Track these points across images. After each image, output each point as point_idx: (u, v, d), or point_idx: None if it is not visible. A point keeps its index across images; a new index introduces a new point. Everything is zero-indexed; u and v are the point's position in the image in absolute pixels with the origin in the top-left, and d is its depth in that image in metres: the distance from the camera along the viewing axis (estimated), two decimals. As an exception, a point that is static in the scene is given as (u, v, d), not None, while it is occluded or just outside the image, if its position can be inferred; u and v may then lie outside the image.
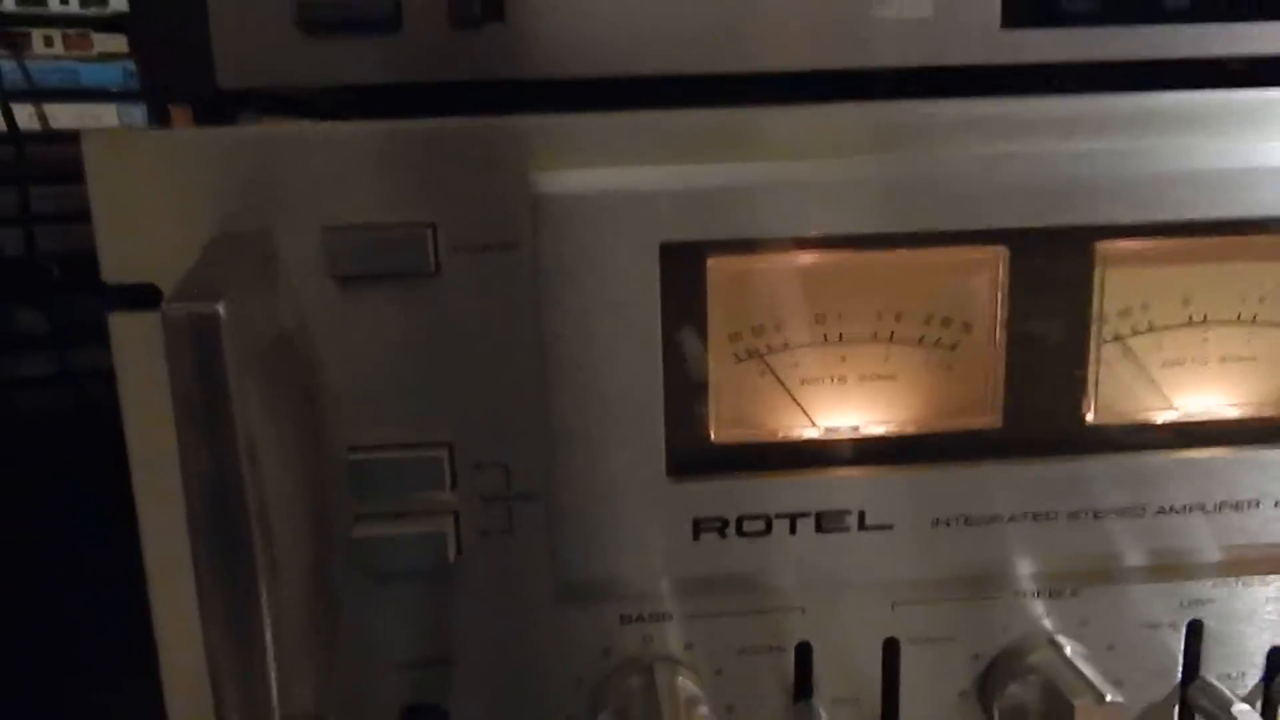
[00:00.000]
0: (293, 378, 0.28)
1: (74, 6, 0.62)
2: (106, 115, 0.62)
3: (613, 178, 0.27)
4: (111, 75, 0.63)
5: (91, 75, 0.63)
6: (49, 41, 0.62)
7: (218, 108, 0.30)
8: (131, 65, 0.62)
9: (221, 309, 0.23)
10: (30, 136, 0.57)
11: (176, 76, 0.27)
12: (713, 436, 0.30)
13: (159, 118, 0.31)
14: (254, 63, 0.27)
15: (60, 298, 0.54)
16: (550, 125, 0.27)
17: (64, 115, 0.62)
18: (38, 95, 0.60)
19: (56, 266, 0.53)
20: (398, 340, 0.28)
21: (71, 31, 0.62)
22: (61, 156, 0.57)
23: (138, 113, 0.62)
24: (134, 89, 0.62)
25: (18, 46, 0.60)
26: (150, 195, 0.27)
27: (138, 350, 0.27)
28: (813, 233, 0.28)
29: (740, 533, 0.30)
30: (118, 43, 0.63)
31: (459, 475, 0.29)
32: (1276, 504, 0.31)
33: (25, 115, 0.60)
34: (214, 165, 0.27)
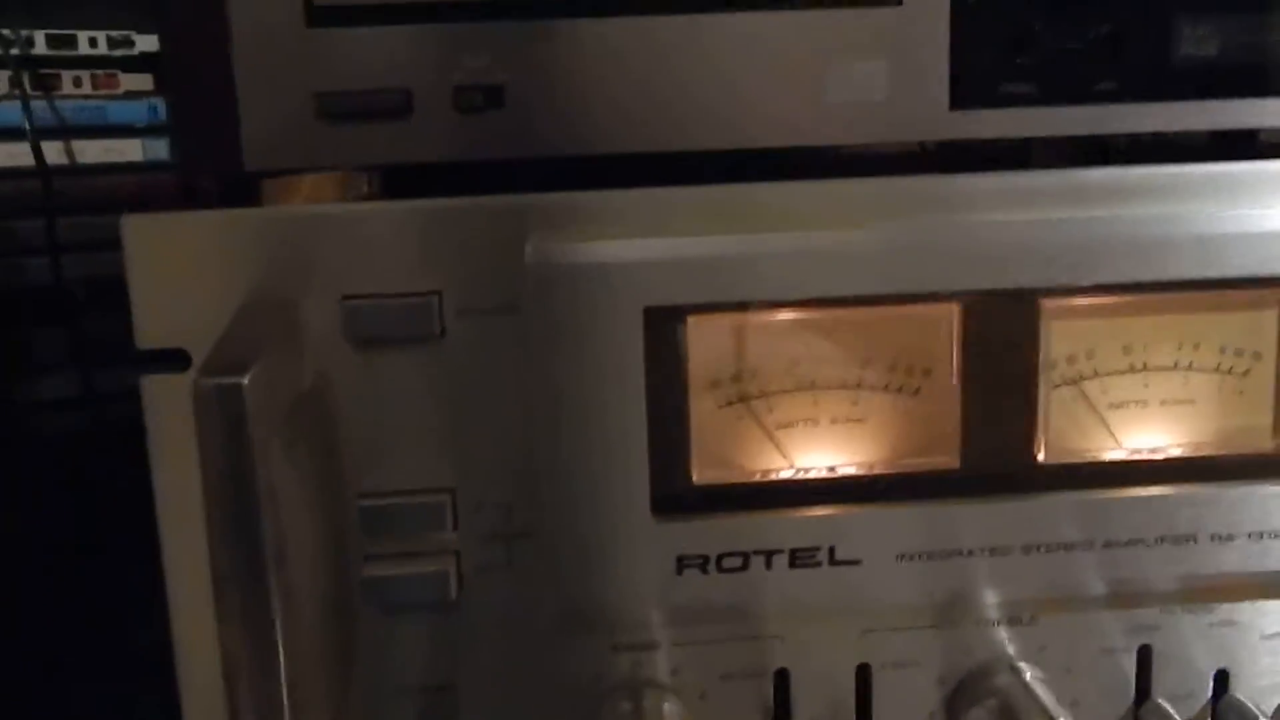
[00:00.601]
0: (313, 431, 0.31)
1: (103, 48, 0.65)
2: (131, 150, 0.65)
3: (601, 248, 0.30)
4: (137, 112, 0.66)
5: (118, 113, 0.66)
6: (78, 82, 0.65)
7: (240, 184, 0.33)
8: (155, 102, 0.65)
9: (246, 380, 0.25)
10: (59, 170, 0.60)
11: (209, 158, 0.30)
12: (694, 478, 0.33)
13: (189, 193, 0.34)
14: (278, 147, 0.30)
15: (84, 321, 0.57)
16: (545, 202, 0.30)
17: (91, 149, 0.64)
18: (66, 132, 0.63)
19: (81, 291, 0.56)
20: (407, 396, 0.31)
21: (100, 72, 0.65)
22: (87, 189, 0.61)
23: (160, 147, 0.64)
24: (158, 124, 0.65)
25: (49, 87, 0.63)
26: (184, 271, 0.29)
27: (168, 410, 0.30)
28: (784, 298, 0.31)
29: (720, 568, 0.32)
30: (144, 81, 0.65)
31: (461, 516, 0.32)
32: (1212, 538, 0.33)
33: (55, 150, 0.63)
34: (243, 243, 0.29)
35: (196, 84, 0.29)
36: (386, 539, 0.32)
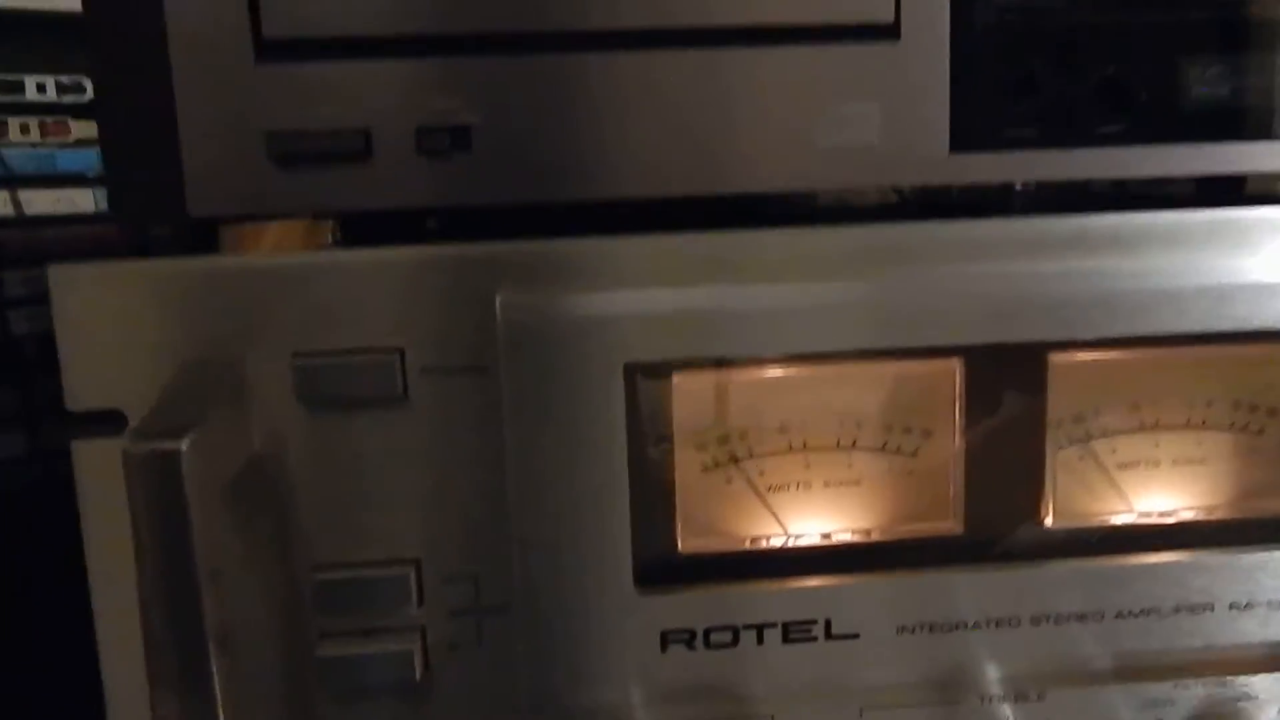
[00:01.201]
0: (263, 498, 0.28)
1: (51, 94, 0.63)
2: (82, 200, 0.63)
3: (577, 301, 0.28)
4: (88, 160, 0.63)
5: (68, 161, 0.64)
6: (25, 129, 0.62)
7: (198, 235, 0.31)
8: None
9: (185, 446, 0.23)
10: (5, 222, 0.58)
11: (148, 204, 0.28)
12: (679, 547, 0.31)
13: (143, 245, 0.32)
14: (226, 191, 0.28)
15: (32, 378, 0.54)
16: (516, 252, 0.28)
17: (40, 200, 0.62)
18: (13, 182, 0.60)
19: (30, 348, 0.54)
20: (366, 461, 0.28)
21: (49, 119, 0.63)
22: (36, 241, 0.58)
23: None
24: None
25: (-6, 136, 0.60)
26: (118, 326, 0.27)
27: (102, 478, 0.27)
28: (772, 354, 0.29)
29: (708, 644, 0.30)
30: (95, 129, 0.63)
31: (427, 590, 0.29)
32: (1230, 606, 0.31)
33: (1, 201, 0.60)
34: (185, 295, 0.27)
35: (133, 121, 0.27)
36: (345, 615, 0.29)
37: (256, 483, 0.28)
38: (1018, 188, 0.36)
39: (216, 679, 0.25)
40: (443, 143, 0.28)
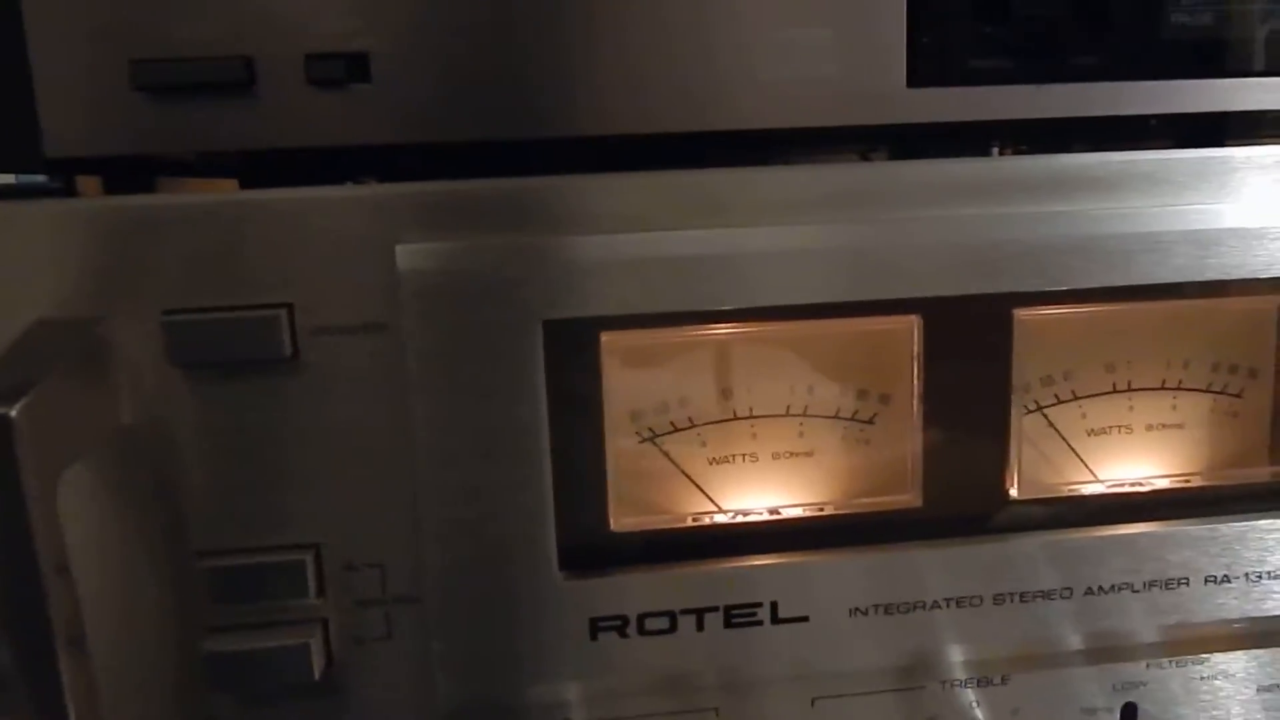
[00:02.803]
0: (137, 477, 0.25)
1: None
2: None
3: (489, 249, 0.25)
4: None
5: None
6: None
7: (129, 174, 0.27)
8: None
9: (15, 411, 0.20)
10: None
11: (-2, 143, 0.24)
12: (611, 526, 0.28)
13: (65, 186, 0.28)
14: (89, 128, 0.25)
15: None
16: (418, 194, 0.25)
17: None
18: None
19: None
20: (253, 433, 0.26)
21: None
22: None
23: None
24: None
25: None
26: (-42, 278, 0.24)
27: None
28: (711, 309, 0.26)
29: (642, 631, 0.28)
30: None
31: (328, 578, 0.27)
32: (1207, 580, 0.29)
33: None
34: (36, 244, 0.24)
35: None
36: (235, 606, 0.27)
37: (131, 457, 0.25)
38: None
39: (68, 686, 0.22)
40: (337, 72, 0.25)
